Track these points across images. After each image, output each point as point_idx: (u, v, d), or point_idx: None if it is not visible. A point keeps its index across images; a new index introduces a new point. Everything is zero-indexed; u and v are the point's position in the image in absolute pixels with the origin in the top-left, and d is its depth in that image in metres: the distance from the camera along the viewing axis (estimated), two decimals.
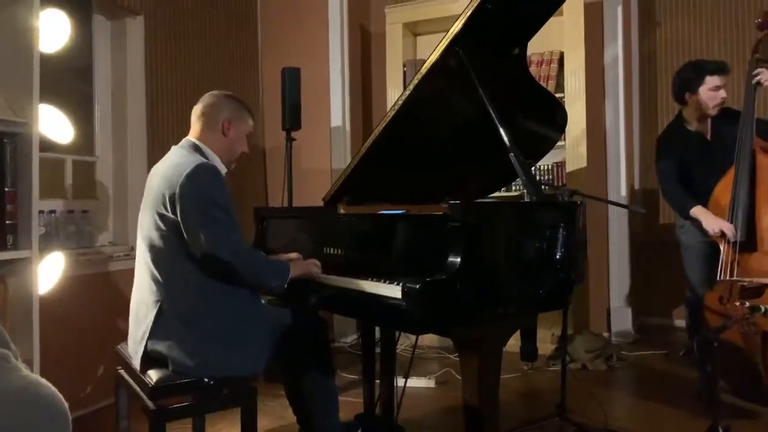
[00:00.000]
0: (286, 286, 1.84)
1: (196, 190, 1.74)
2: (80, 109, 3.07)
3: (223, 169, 1.91)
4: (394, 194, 2.30)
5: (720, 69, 2.64)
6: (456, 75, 2.01)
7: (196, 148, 1.89)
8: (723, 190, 2.50)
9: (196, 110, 1.96)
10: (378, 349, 2.43)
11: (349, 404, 2.59)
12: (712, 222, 2.50)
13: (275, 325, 1.87)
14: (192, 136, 1.94)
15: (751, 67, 2.55)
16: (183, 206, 1.73)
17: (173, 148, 1.94)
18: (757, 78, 2.49)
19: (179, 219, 1.73)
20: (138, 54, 3.20)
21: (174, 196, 1.73)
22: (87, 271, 2.80)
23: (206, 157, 1.87)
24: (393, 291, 1.58)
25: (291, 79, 3.36)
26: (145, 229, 1.84)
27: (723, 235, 2.45)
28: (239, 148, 1.98)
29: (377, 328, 2.52)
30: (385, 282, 1.64)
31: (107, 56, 3.17)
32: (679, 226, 2.81)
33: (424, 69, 2.01)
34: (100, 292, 2.85)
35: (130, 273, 1.94)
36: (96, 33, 3.14)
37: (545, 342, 3.43)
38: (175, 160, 1.84)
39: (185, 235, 1.74)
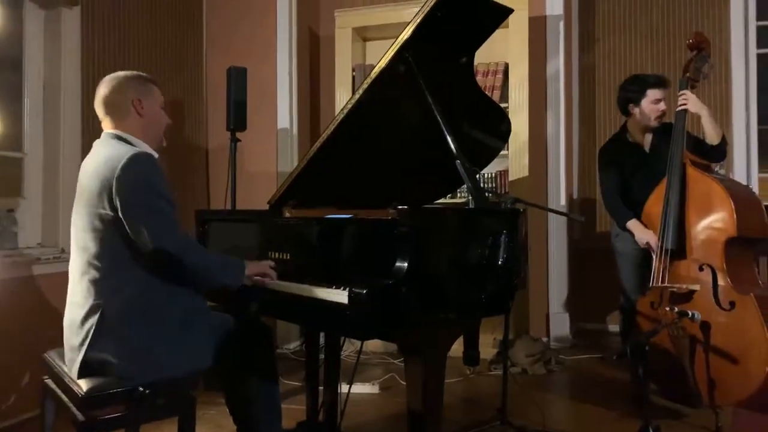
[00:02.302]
0: (240, 285, 1.79)
1: (136, 182, 1.65)
2: (8, 102, 2.89)
3: (155, 153, 1.81)
4: (341, 198, 2.29)
5: (660, 83, 2.81)
6: (405, 81, 2.03)
7: (120, 139, 1.78)
8: (655, 200, 2.63)
9: (98, 104, 1.82)
10: (322, 355, 2.40)
11: (292, 411, 2.55)
12: (641, 234, 2.66)
13: (217, 331, 1.81)
14: (109, 129, 1.81)
15: (681, 86, 2.70)
16: (123, 200, 1.64)
17: (96, 143, 1.82)
18: (680, 103, 2.65)
19: (120, 214, 1.64)
20: (74, 46, 3.04)
21: (111, 191, 1.64)
22: (11, 274, 2.62)
23: (134, 146, 1.77)
24: (339, 296, 1.56)
25: (237, 79, 3.29)
26: (80, 229, 1.74)
27: (649, 245, 2.59)
28: (161, 122, 1.88)
29: (321, 334, 2.49)
30: (331, 287, 1.62)
31: (40, 47, 3.00)
32: (614, 234, 2.93)
33: (373, 74, 2.01)
34: (25, 297, 2.68)
35: (59, 276, 1.83)
36: (28, 22, 2.96)
37: (487, 346, 3.48)
38: (104, 155, 1.72)
39: (128, 230, 1.64)
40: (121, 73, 1.85)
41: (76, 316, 1.71)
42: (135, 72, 1.87)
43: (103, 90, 1.82)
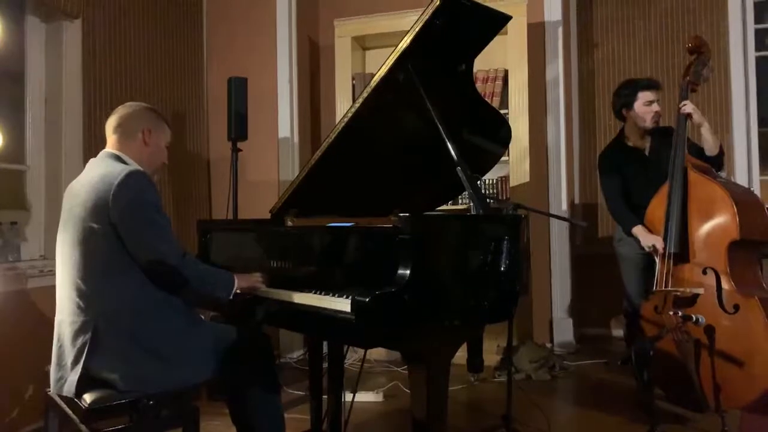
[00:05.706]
0: (231, 297, 1.81)
1: (133, 197, 1.68)
2: (9, 116, 2.90)
3: None
4: (342, 206, 2.29)
5: (651, 85, 2.82)
6: (405, 89, 2.03)
7: (117, 158, 1.82)
8: (657, 204, 2.62)
9: (111, 122, 1.89)
10: (325, 364, 2.39)
11: (296, 421, 2.54)
12: (645, 238, 2.65)
13: (218, 342, 1.82)
14: (110, 149, 1.86)
15: (682, 89, 2.70)
16: (121, 214, 1.66)
17: (91, 161, 1.86)
18: (682, 110, 2.63)
19: (118, 227, 1.66)
20: (75, 59, 3.05)
21: (106, 206, 1.66)
22: (15, 286, 2.62)
23: (129, 165, 1.79)
24: (342, 304, 1.56)
25: (237, 89, 3.31)
26: (68, 244, 1.74)
27: (655, 248, 2.57)
28: (160, 158, 1.95)
29: (324, 343, 2.48)
30: (333, 295, 1.62)
31: (41, 60, 3.02)
32: (617, 239, 2.93)
33: (373, 82, 2.02)
34: (29, 309, 2.68)
35: None
36: (29, 36, 2.98)
37: (490, 353, 3.47)
38: (100, 171, 1.75)
39: (126, 241, 1.67)
40: (140, 103, 1.95)
41: (66, 334, 1.70)
42: (154, 108, 1.97)
43: (121, 110, 1.90)
